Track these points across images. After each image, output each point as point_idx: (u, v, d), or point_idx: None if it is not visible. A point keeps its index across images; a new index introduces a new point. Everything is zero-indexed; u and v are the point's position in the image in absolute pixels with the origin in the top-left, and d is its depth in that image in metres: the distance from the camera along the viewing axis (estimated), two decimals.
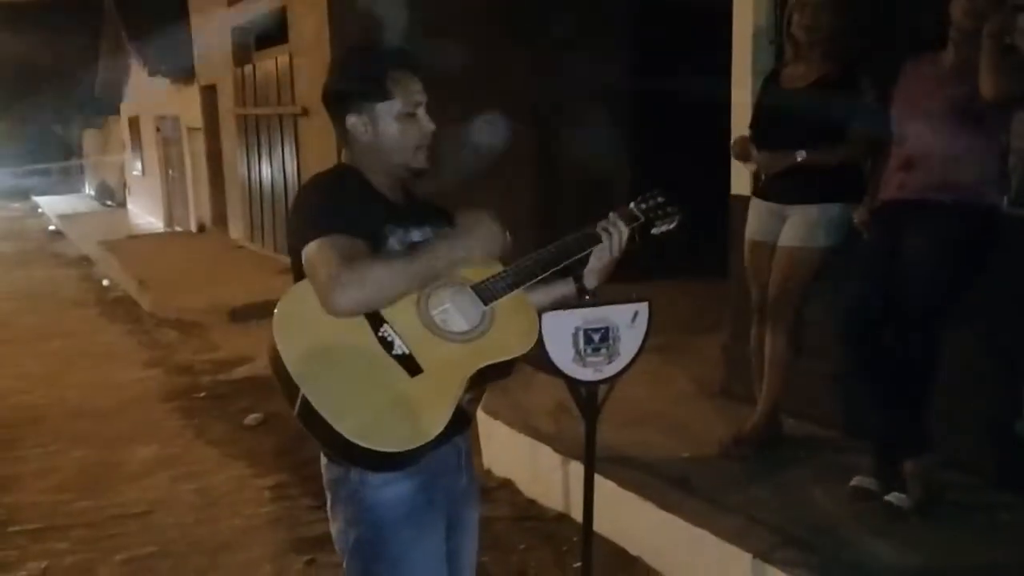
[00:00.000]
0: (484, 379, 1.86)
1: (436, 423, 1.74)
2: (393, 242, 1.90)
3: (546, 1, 8.33)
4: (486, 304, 1.88)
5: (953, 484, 3.35)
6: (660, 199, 2.15)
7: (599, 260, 2.07)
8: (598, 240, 2.04)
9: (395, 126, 1.93)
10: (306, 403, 1.68)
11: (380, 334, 1.77)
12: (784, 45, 3.85)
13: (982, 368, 3.47)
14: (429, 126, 1.97)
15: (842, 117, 3.58)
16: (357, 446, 1.67)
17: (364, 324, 1.77)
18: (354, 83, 1.95)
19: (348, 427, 1.67)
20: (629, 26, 8.73)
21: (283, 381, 1.72)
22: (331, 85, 2.00)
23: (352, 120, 1.94)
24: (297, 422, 1.75)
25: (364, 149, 1.97)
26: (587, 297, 2.14)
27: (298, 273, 1.87)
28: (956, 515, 3.22)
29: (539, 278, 1.97)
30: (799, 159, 3.57)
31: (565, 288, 2.12)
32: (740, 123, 4.25)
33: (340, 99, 1.96)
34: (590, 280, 2.10)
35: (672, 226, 2.15)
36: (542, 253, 1.98)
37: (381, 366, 1.75)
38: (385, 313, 1.78)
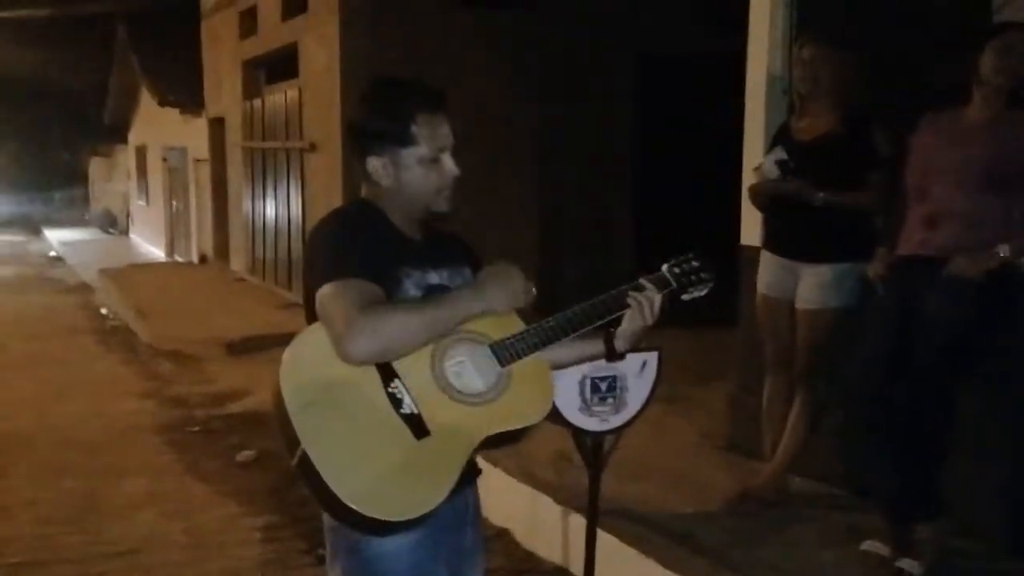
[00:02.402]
0: (492, 445, 1.79)
1: (437, 493, 1.68)
2: (409, 284, 1.83)
3: (554, 46, 8.39)
4: (503, 365, 1.80)
5: (967, 552, 3.26)
6: (695, 263, 2.03)
7: (633, 325, 1.96)
8: (627, 307, 1.93)
9: (418, 171, 1.86)
10: (306, 459, 1.62)
11: (390, 389, 1.70)
12: (792, 98, 3.83)
13: (998, 432, 3.39)
14: (453, 171, 1.89)
15: (854, 169, 3.54)
16: (354, 511, 1.61)
17: (375, 376, 1.70)
18: (378, 125, 1.87)
19: (346, 491, 1.61)
20: (636, 74, 8.81)
21: (284, 430, 1.66)
22: (356, 122, 1.92)
23: (373, 164, 1.87)
24: (294, 471, 1.68)
25: (384, 190, 1.89)
26: (618, 358, 2.03)
27: (311, 314, 1.80)
28: None
29: (561, 341, 1.88)
30: (817, 202, 3.51)
31: (593, 348, 2.01)
32: (751, 169, 4.21)
33: (363, 138, 1.89)
34: (621, 344, 1.99)
35: (703, 293, 2.04)
36: (567, 315, 1.89)
37: (387, 426, 1.68)
38: (397, 366, 1.71)
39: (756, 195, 3.83)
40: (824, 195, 3.50)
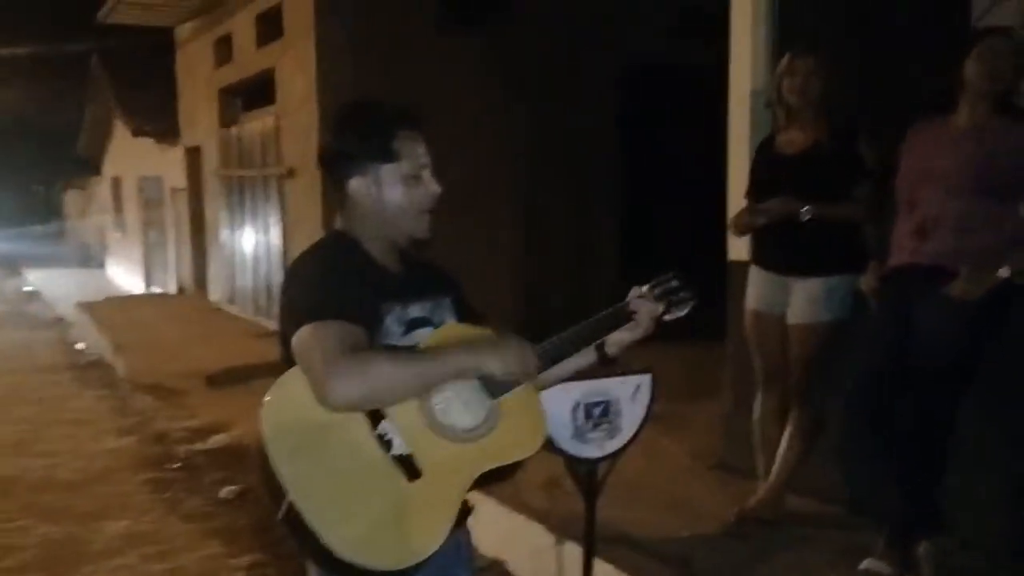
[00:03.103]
0: (486, 481, 1.72)
1: (435, 538, 1.60)
2: (391, 321, 1.76)
3: (535, 64, 8.36)
4: (493, 398, 1.73)
5: (969, 569, 3.19)
6: (675, 283, 2.01)
7: (631, 335, 1.95)
8: (631, 319, 1.93)
9: (400, 189, 1.81)
10: (293, 510, 1.52)
11: (379, 431, 1.62)
12: (776, 111, 3.77)
13: (999, 446, 3.32)
14: (435, 188, 1.85)
15: (840, 181, 3.49)
16: (348, 564, 1.51)
17: (361, 418, 1.62)
18: (359, 144, 1.81)
19: (340, 542, 1.51)
20: (621, 87, 8.79)
21: (268, 481, 1.56)
22: (332, 145, 1.86)
23: (355, 184, 1.80)
24: (281, 527, 1.58)
25: (364, 214, 1.83)
26: (611, 363, 2.00)
27: (287, 349, 1.71)
28: None
29: (547, 370, 1.83)
30: (804, 217, 3.45)
31: (584, 359, 1.97)
32: (736, 185, 4.17)
33: (342, 160, 1.82)
34: (612, 349, 1.96)
35: (684, 312, 2.01)
36: (554, 343, 1.84)
37: (378, 469, 1.60)
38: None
39: (740, 225, 3.77)
40: (810, 208, 3.45)
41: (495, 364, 1.70)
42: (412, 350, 1.71)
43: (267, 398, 1.62)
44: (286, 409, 1.61)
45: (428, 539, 1.58)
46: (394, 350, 1.70)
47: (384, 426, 1.62)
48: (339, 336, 1.60)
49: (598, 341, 1.95)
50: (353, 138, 1.83)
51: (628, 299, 1.95)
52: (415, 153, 1.82)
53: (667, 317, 1.99)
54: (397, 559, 1.55)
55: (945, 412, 3.02)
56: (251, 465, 1.61)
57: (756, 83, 4.24)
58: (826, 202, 3.47)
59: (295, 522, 1.52)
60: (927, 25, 3.89)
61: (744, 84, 4.30)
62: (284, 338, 1.73)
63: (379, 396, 1.60)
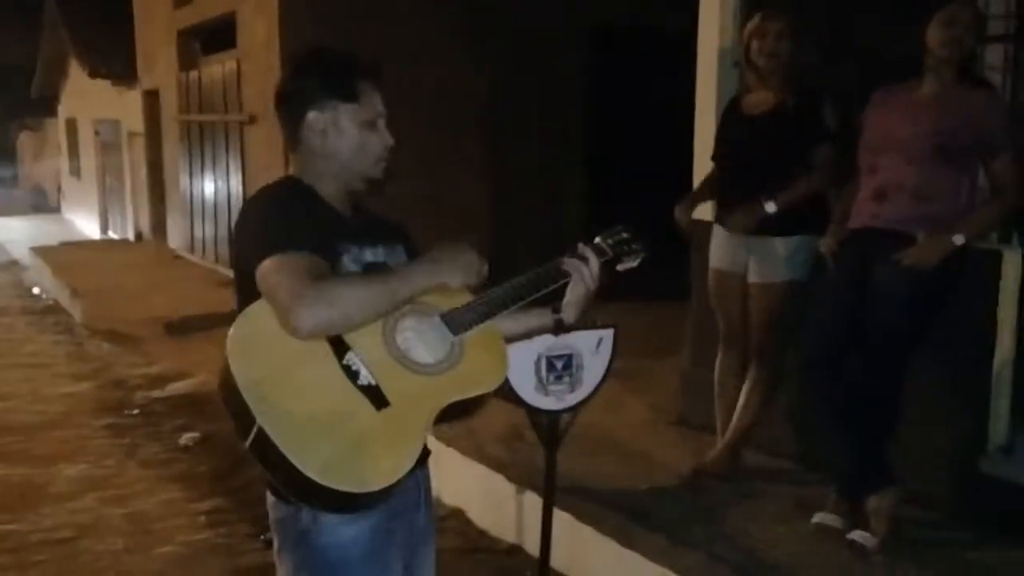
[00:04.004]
0: (451, 415, 1.74)
1: (404, 461, 1.62)
2: (347, 260, 1.78)
3: (505, 18, 8.27)
4: (455, 335, 1.76)
5: (917, 521, 3.31)
6: (624, 235, 2.04)
7: (575, 293, 1.94)
8: (568, 275, 1.92)
9: (356, 132, 1.83)
10: (263, 436, 1.53)
11: (345, 362, 1.63)
12: (743, 72, 3.79)
13: (946, 402, 3.43)
14: (389, 139, 1.88)
15: (802, 143, 3.53)
16: (319, 485, 1.53)
17: (327, 351, 1.63)
18: (320, 80, 1.83)
19: (310, 464, 1.53)
20: (588, 47, 8.74)
21: (236, 410, 1.57)
22: (292, 82, 1.87)
23: (313, 116, 1.81)
24: (250, 455, 1.60)
25: (318, 155, 1.84)
26: (564, 331, 2.03)
27: (244, 296, 1.71)
28: (921, 553, 3.15)
29: (510, 309, 1.85)
30: (770, 211, 3.50)
31: (541, 320, 1.99)
32: (703, 145, 4.19)
33: (301, 94, 1.83)
34: (568, 313, 1.97)
35: (635, 263, 2.05)
36: (514, 283, 1.86)
37: (345, 398, 1.61)
38: (349, 339, 1.65)
39: (684, 223, 3.79)
40: (773, 203, 3.49)
41: (452, 275, 1.76)
42: (373, 272, 1.75)
43: (232, 331, 1.62)
44: (252, 340, 1.62)
45: (395, 464, 1.60)
46: (356, 274, 1.74)
47: (350, 357, 1.63)
48: (302, 266, 1.61)
49: (555, 304, 1.96)
50: (315, 75, 1.85)
51: (567, 255, 1.95)
52: (373, 101, 1.84)
53: (619, 267, 2.02)
54: (363, 482, 1.56)
55: (896, 371, 3.10)
56: (219, 398, 1.61)
57: (724, 44, 4.25)
58: (788, 163, 3.52)
59: (264, 447, 1.53)
60: None
61: (712, 45, 4.31)
62: (240, 282, 1.74)
63: (348, 318, 1.62)
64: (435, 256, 1.79)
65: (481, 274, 1.83)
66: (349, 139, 1.82)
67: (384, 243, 1.89)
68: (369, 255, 1.83)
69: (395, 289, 1.69)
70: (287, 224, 1.70)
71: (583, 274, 1.92)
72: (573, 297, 1.95)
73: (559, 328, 2.00)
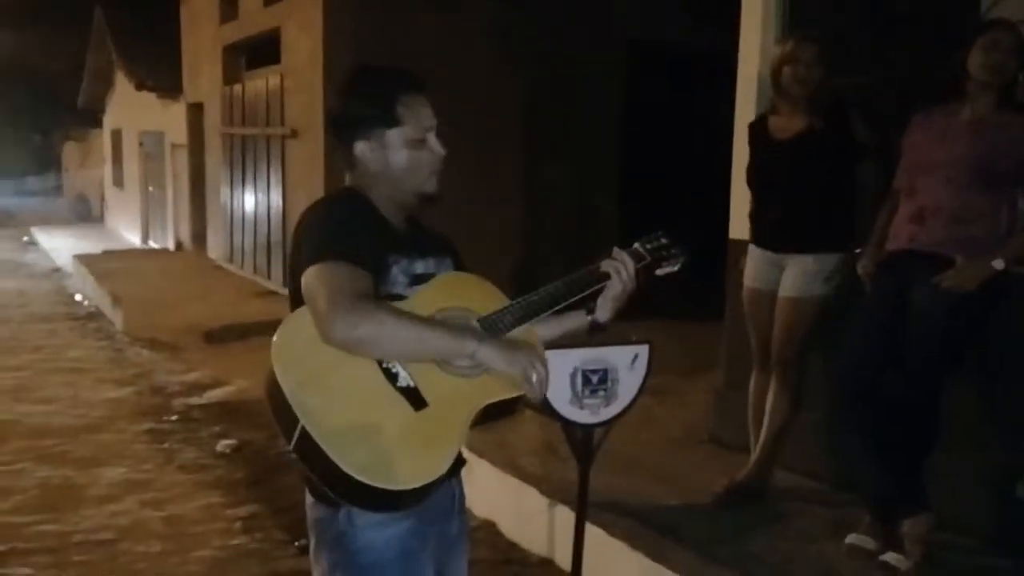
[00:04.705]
0: (489, 416, 1.78)
1: (442, 461, 1.68)
2: (397, 271, 1.83)
3: (544, 37, 8.35)
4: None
5: (952, 546, 3.28)
6: (664, 240, 2.09)
7: (612, 291, 1.99)
8: (607, 277, 1.97)
9: (405, 153, 1.86)
10: (306, 435, 1.59)
11: (385, 365, 1.69)
12: (773, 94, 3.78)
13: (983, 428, 3.41)
14: (440, 151, 1.91)
15: (838, 164, 3.55)
16: (359, 483, 1.58)
17: None
18: (363, 108, 1.87)
19: (351, 462, 1.58)
20: (623, 63, 8.79)
21: (280, 411, 1.63)
22: (338, 109, 1.92)
23: (361, 147, 1.87)
24: (293, 457, 1.66)
25: (372, 175, 1.89)
26: (599, 331, 2.06)
27: (296, 300, 1.77)
28: None
29: (546, 314, 1.90)
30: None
31: (576, 321, 2.04)
32: (740, 165, 4.21)
33: (348, 124, 1.88)
34: (603, 313, 2.02)
35: (676, 268, 2.09)
36: (550, 288, 1.91)
37: (385, 399, 1.67)
38: None
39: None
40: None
41: (497, 360, 1.70)
42: (420, 317, 1.72)
43: (277, 336, 1.68)
44: (296, 343, 1.68)
45: (435, 463, 1.65)
46: (402, 311, 1.71)
47: (390, 360, 1.69)
48: (346, 277, 1.66)
49: (588, 305, 2.00)
50: (357, 103, 1.88)
51: (584, 270, 1.98)
52: (419, 116, 1.87)
53: (659, 272, 2.06)
54: (404, 480, 1.61)
55: (932, 394, 3.09)
56: (263, 402, 1.66)
57: (765, 65, 4.27)
58: (824, 184, 3.53)
59: (307, 447, 1.59)
60: (938, 14, 3.92)
61: (752, 65, 4.33)
62: (293, 286, 1.78)
63: (375, 344, 1.64)
64: (495, 338, 1.75)
65: (538, 385, 1.71)
66: (398, 161, 1.86)
67: (434, 255, 1.93)
68: (419, 267, 1.87)
69: (432, 340, 1.67)
70: (339, 234, 1.75)
71: (620, 273, 1.97)
72: (610, 294, 1.99)
73: (594, 328, 2.03)
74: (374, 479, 1.59)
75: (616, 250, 2.01)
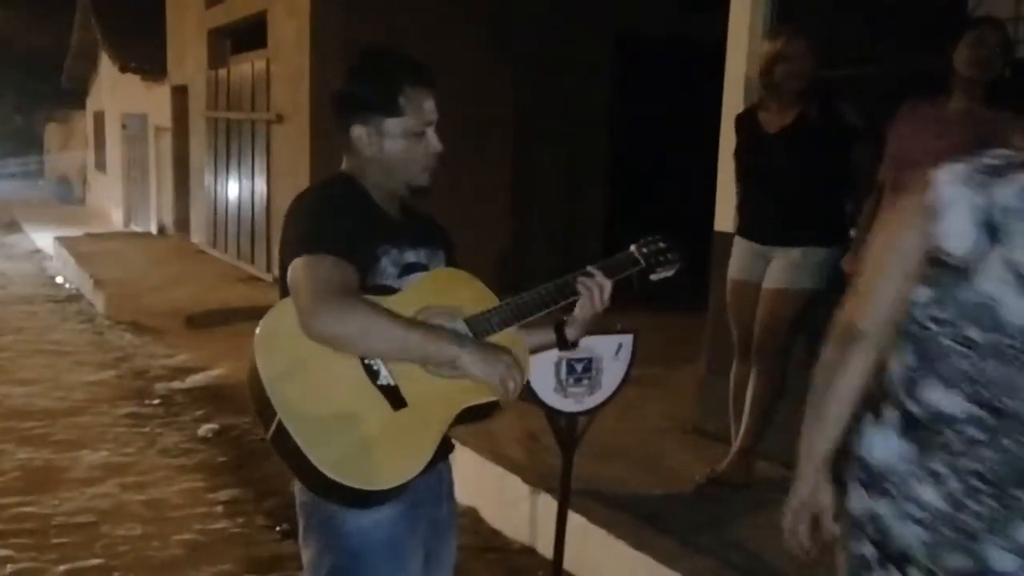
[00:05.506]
0: (469, 417, 1.78)
1: (416, 463, 1.67)
2: (387, 262, 1.81)
3: (533, 24, 8.34)
4: (478, 339, 1.79)
5: None
6: (662, 244, 2.03)
7: (583, 312, 1.93)
8: (577, 293, 1.90)
9: (401, 143, 1.84)
10: (282, 429, 1.59)
11: (367, 361, 1.68)
12: (762, 88, 3.79)
13: None
14: (437, 147, 1.88)
15: (832, 153, 3.56)
16: (331, 480, 1.59)
17: None
18: (365, 94, 1.85)
19: (324, 459, 1.58)
20: (613, 54, 8.80)
21: (259, 402, 1.63)
22: (341, 89, 1.89)
23: (358, 132, 1.85)
24: (269, 446, 1.65)
25: (366, 160, 1.87)
26: (569, 348, 2.00)
27: (286, 287, 1.76)
28: None
29: (536, 316, 1.87)
30: None
31: (545, 337, 1.98)
32: (727, 158, 4.22)
33: (348, 106, 1.86)
34: (572, 332, 1.97)
35: (671, 273, 2.04)
36: (540, 291, 1.87)
37: (364, 396, 1.66)
38: None
39: None
40: None
41: (476, 365, 1.66)
42: (404, 318, 1.69)
43: (260, 326, 1.68)
44: (279, 334, 1.67)
45: (410, 464, 1.65)
46: (388, 311, 1.68)
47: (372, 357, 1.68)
48: (330, 270, 1.64)
49: (559, 320, 1.96)
50: (360, 86, 1.86)
51: (578, 274, 1.92)
52: (421, 110, 1.84)
53: (653, 277, 2.02)
54: (379, 480, 1.62)
55: None
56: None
57: (752, 59, 4.28)
58: (817, 174, 3.55)
59: (283, 441, 1.59)
60: (925, 9, 3.94)
61: (740, 59, 4.34)
62: (283, 267, 1.77)
63: (356, 342, 1.63)
64: (473, 341, 1.73)
65: (510, 390, 1.69)
66: (393, 150, 1.84)
67: (426, 245, 1.90)
68: (410, 256, 1.85)
69: (413, 342, 1.65)
70: (327, 224, 1.73)
71: (593, 295, 1.89)
72: (580, 316, 1.94)
73: (563, 343, 1.98)
74: (346, 478, 1.59)
75: (591, 268, 1.92)
